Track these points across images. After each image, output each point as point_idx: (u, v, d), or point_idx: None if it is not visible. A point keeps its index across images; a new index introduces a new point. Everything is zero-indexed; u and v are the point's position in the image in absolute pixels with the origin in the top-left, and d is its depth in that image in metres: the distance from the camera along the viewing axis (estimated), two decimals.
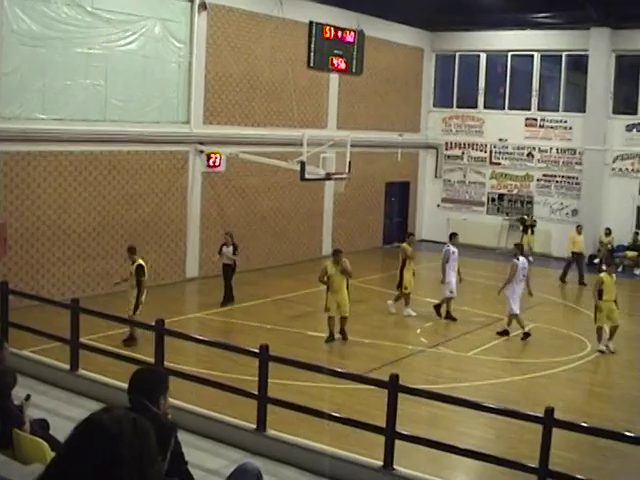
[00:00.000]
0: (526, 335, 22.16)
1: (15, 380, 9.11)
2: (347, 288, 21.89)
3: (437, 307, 24.23)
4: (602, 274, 21.96)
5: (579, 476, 10.71)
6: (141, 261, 20.31)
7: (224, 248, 24.87)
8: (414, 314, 24.14)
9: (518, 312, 22.33)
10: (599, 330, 21.35)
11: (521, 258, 22.88)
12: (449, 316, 24.05)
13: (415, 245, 25.20)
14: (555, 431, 10.59)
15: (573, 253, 31.53)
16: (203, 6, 27.63)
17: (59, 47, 23.84)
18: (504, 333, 22.57)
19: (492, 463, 11.64)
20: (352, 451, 11.96)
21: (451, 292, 24.02)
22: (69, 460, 3.22)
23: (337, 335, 21.47)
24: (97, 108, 25.10)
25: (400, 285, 24.26)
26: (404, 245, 25.09)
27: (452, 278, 24.05)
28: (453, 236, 25.05)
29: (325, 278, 21.65)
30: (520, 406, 13.83)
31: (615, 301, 21.30)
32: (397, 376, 11.55)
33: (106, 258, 25.49)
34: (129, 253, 20.67)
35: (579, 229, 31.86)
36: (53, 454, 8.05)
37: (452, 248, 24.48)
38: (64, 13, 23.85)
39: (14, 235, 23.02)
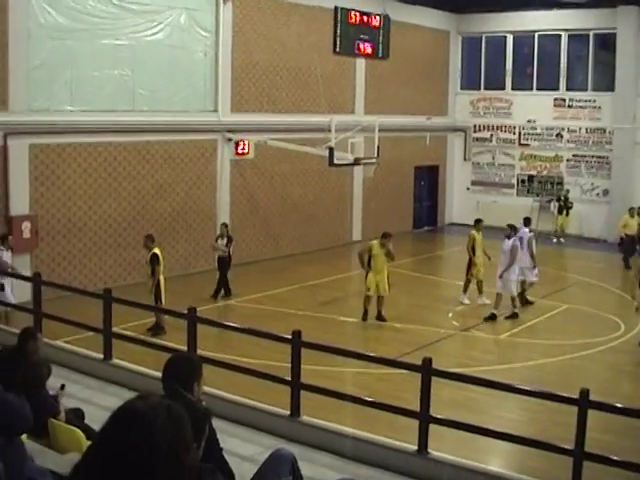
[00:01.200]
0: (493, 317, 22.11)
1: (50, 370, 9.16)
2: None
3: (522, 295, 23.53)
4: None
5: (615, 457, 10.66)
6: (157, 250, 20.16)
7: (218, 240, 24.38)
8: (487, 302, 23.37)
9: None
10: None
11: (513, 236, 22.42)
12: (527, 301, 23.71)
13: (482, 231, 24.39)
14: (590, 413, 10.54)
15: (626, 235, 30.93)
16: None
17: (86, 39, 23.92)
18: (513, 316, 22.25)
19: (527, 445, 11.61)
20: (386, 436, 11.96)
21: (536, 276, 23.77)
22: (105, 447, 3.24)
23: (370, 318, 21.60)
24: (125, 99, 25.18)
25: (467, 273, 24.06)
26: (473, 232, 24.33)
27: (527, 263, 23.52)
28: (527, 221, 24.62)
29: (367, 256, 21.97)
30: (554, 388, 13.75)
31: None
32: (430, 360, 11.53)
33: (137, 248, 25.50)
34: (146, 240, 20.56)
35: (632, 212, 31.15)
36: (89, 443, 8.12)
37: (526, 236, 23.60)
38: (90, 5, 23.93)
39: (45, 227, 23.16)
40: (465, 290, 23.91)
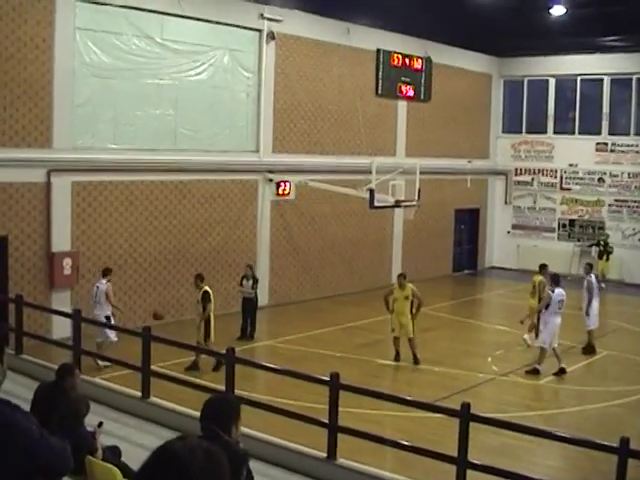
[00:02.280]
0: (535, 371, 21.13)
1: (88, 407, 9.18)
2: (416, 312, 22.02)
3: (590, 346, 23.22)
4: None
5: None
6: (207, 288, 20.43)
7: (244, 281, 24.22)
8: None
9: (547, 346, 21.16)
10: None
11: (557, 290, 21.33)
12: (592, 349, 23.25)
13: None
14: (630, 462, 10.39)
15: None
16: (271, 36, 27.83)
17: (130, 78, 24.20)
18: (533, 372, 21.13)
19: None
20: None
21: (593, 324, 23.33)
22: None
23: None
24: (167, 138, 25.40)
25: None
26: (539, 277, 23.91)
27: (595, 310, 23.31)
28: (589, 266, 24.20)
29: (389, 299, 22.09)
30: (593, 436, 13.60)
31: None
32: (469, 405, 11.45)
33: (177, 286, 25.68)
34: (196, 279, 20.87)
35: None
36: None
37: (593, 278, 23.64)
38: (134, 45, 24.23)
39: (86, 264, 23.31)
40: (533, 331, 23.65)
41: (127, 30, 24.03)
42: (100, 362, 19.02)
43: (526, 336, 23.50)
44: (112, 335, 19.83)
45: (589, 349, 23.05)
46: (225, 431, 6.39)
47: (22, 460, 5.97)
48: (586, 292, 23.10)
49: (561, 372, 21.00)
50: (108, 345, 19.76)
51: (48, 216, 22.45)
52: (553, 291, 21.29)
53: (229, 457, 3.47)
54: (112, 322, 20.20)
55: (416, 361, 21.74)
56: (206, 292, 20.31)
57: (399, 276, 22.47)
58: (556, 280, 21.54)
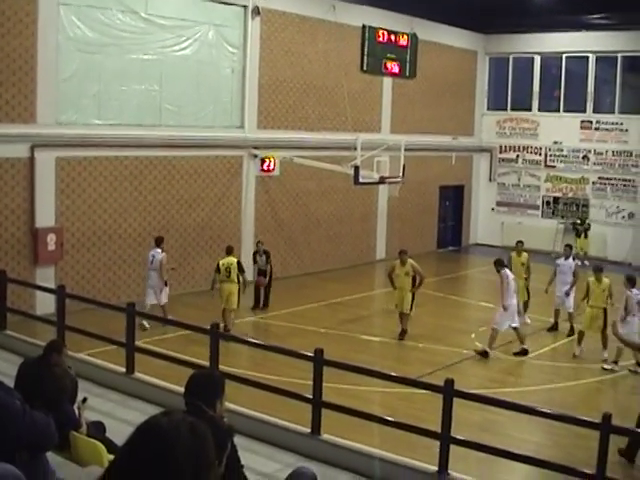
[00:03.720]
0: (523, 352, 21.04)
1: (76, 385, 9.21)
2: (417, 286, 22.30)
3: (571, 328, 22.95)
4: None
5: None
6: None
7: (257, 257, 25.09)
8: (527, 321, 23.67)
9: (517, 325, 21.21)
10: None
11: (635, 290, 20.32)
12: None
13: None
14: (612, 437, 10.47)
15: None
16: (256, 11, 27.72)
17: (114, 53, 24.08)
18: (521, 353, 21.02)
19: (548, 469, 11.52)
20: (406, 456, 11.92)
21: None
22: (127, 462, 3.24)
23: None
24: (152, 113, 25.32)
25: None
26: (525, 254, 24.54)
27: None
28: (568, 248, 24.68)
29: (393, 275, 22.35)
30: (576, 411, 13.68)
31: None
32: (452, 381, 11.50)
33: None
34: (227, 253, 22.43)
35: None
36: (109, 456, 8.13)
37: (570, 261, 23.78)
38: (119, 20, 24.10)
39: (70, 239, 23.26)
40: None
41: (112, 5, 23.88)
42: (146, 323, 20.90)
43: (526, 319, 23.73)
44: (164, 298, 21.93)
45: (570, 331, 22.98)
46: (209, 406, 6.42)
47: (5, 435, 5.99)
48: (572, 276, 23.13)
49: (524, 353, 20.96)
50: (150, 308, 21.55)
51: (32, 192, 22.36)
52: (631, 292, 20.21)
53: (214, 432, 3.48)
54: (167, 286, 22.16)
55: (402, 336, 21.91)
56: (239, 262, 22.13)
57: (400, 253, 22.59)
58: (632, 281, 20.42)
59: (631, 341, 16.46)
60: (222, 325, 20.20)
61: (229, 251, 22.43)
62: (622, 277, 20.61)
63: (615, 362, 19.84)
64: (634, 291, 20.01)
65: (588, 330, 20.95)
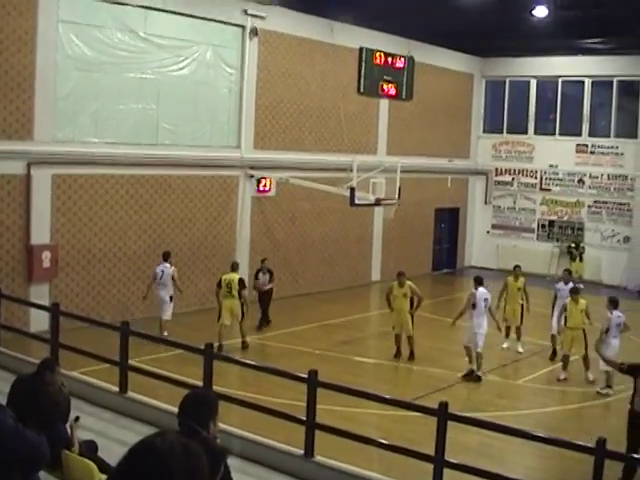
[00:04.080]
0: (472, 375, 20.76)
1: (69, 403, 9.18)
2: (415, 308, 22.42)
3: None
4: None
5: None
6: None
7: (259, 274, 25.29)
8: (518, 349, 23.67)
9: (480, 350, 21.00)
10: None
11: (480, 288, 21.20)
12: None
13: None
14: (607, 462, 10.43)
15: None
16: (254, 32, 27.80)
17: (112, 72, 24.13)
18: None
19: None
20: (400, 479, 11.87)
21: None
22: None
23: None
24: (149, 132, 25.35)
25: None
26: (522, 278, 24.19)
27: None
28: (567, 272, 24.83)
29: (390, 297, 22.41)
30: (569, 436, 13.64)
31: None
32: (446, 404, 11.47)
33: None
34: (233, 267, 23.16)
35: None
36: (102, 476, 8.09)
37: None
38: (117, 39, 24.17)
39: (65, 257, 23.24)
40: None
41: (110, 24, 23.96)
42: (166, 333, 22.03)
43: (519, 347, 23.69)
44: (168, 314, 22.86)
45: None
46: (203, 427, 6.39)
47: None
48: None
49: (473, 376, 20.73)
50: (165, 323, 22.74)
51: (28, 208, 22.35)
52: (476, 289, 21.18)
53: (207, 453, 3.47)
54: (173, 301, 23.07)
55: (411, 357, 22.16)
56: (242, 279, 22.60)
57: (398, 274, 22.63)
58: (614, 303, 20.63)
59: (615, 362, 16.44)
60: (216, 344, 20.18)
61: (234, 268, 23.03)
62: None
63: (609, 386, 19.77)
64: (615, 313, 20.23)
65: (569, 351, 21.04)
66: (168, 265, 22.90)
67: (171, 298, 22.96)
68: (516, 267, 24.50)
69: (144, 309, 24.81)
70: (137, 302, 24.78)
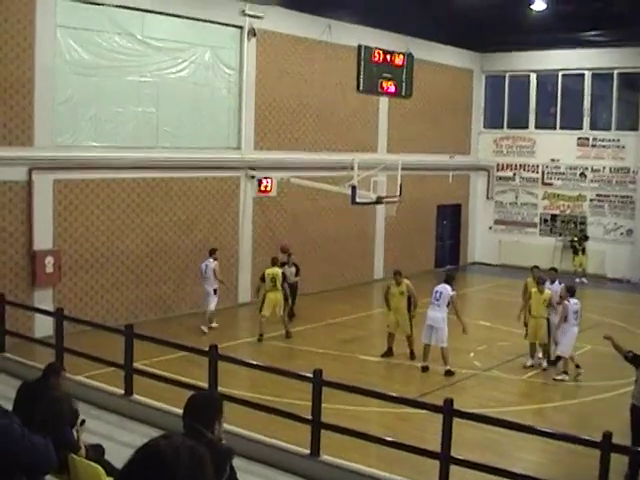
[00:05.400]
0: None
1: (76, 409, 9.18)
2: (413, 309, 22.23)
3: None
4: None
5: None
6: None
7: (286, 267, 25.42)
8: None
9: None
10: None
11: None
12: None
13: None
14: (613, 456, 10.43)
15: None
16: (252, 32, 27.79)
17: (111, 76, 24.12)
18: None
19: None
20: (406, 476, 11.88)
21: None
22: None
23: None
24: (149, 135, 25.34)
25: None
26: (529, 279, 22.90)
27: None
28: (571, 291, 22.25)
29: (388, 296, 22.32)
30: (575, 430, 13.64)
31: None
32: (452, 400, 11.48)
33: (159, 284, 25.65)
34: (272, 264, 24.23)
35: None
36: (109, 479, 8.09)
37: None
38: (115, 42, 24.16)
39: (68, 261, 23.24)
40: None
41: (108, 27, 23.94)
42: (205, 328, 23.81)
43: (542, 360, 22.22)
44: (212, 306, 24.29)
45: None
46: (208, 428, 6.40)
47: (4, 459, 5.96)
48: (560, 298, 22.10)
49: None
50: (211, 315, 24.42)
51: (30, 214, 22.36)
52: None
53: (213, 455, 3.48)
54: (217, 294, 24.46)
55: (412, 356, 21.96)
56: (284, 273, 24.17)
57: (394, 273, 22.52)
58: (571, 291, 20.86)
59: (623, 348, 16.43)
60: (259, 336, 22.99)
61: (274, 262, 24.24)
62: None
63: (565, 372, 20.37)
64: (572, 301, 20.56)
65: (533, 340, 21.43)
66: (211, 260, 24.26)
67: (215, 291, 24.29)
68: (534, 268, 23.43)
69: (148, 312, 24.89)
70: (140, 305, 24.84)
